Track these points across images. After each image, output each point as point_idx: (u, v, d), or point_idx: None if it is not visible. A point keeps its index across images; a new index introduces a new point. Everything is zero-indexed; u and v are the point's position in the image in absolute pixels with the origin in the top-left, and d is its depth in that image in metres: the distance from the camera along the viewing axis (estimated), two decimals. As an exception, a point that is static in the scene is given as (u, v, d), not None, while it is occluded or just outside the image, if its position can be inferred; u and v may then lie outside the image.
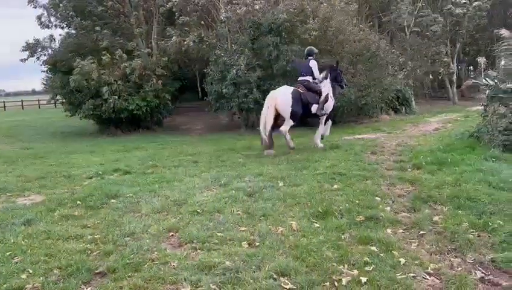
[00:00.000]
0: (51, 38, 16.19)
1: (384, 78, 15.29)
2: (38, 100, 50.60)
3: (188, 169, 7.71)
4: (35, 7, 15.68)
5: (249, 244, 4.03)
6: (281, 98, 8.89)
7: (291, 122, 8.93)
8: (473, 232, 4.11)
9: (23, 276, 3.46)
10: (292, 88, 9.14)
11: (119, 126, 15.82)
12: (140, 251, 3.94)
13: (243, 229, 4.43)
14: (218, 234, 4.28)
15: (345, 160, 7.70)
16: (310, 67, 9.21)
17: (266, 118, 8.82)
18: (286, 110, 8.82)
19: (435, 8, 22.65)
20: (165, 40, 15.29)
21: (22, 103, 48.86)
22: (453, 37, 24.44)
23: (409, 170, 6.95)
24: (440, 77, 25.88)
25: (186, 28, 15.13)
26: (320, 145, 9.29)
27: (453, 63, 24.32)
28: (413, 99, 18.50)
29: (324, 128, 9.50)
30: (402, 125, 13.71)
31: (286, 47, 13.79)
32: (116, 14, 15.54)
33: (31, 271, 3.55)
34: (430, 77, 27.41)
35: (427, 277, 3.32)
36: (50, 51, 16.18)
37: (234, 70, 13.08)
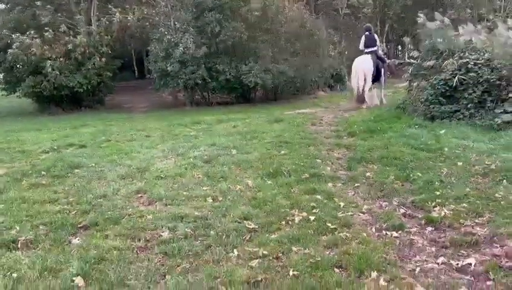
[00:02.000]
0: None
1: (323, 58, 16.25)
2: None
3: (142, 143, 8.08)
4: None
5: (213, 199, 4.63)
6: (366, 65, 11.51)
7: (370, 83, 11.68)
8: (397, 182, 5.00)
9: (12, 232, 3.83)
10: (370, 57, 11.67)
11: (60, 105, 15.49)
12: (116, 208, 4.42)
13: (205, 188, 5.01)
14: (184, 193, 4.85)
15: (288, 131, 8.46)
16: (375, 40, 12.03)
17: (359, 80, 11.50)
18: (370, 74, 11.50)
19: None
20: (106, 18, 15.10)
21: None
22: (382, 18, 26.12)
23: (345, 137, 7.84)
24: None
25: (127, 6, 15.02)
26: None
27: (382, 42, 26.00)
28: (346, 77, 19.73)
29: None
30: (337, 101, 14.76)
31: (228, 24, 14.20)
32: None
33: (18, 228, 3.91)
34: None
35: (362, 215, 4.13)
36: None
37: (181, 48, 13.33)
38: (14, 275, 3.02)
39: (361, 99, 11.73)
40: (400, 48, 37.43)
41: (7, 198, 4.83)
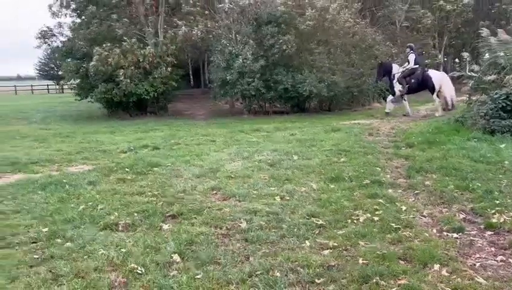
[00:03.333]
0: (61, 26, 16.91)
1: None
2: (32, 86, 51.02)
3: (209, 146, 8.71)
4: (45, -3, 16.45)
5: (280, 198, 5.08)
6: (447, 78, 13.46)
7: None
8: (457, 191, 5.20)
9: (112, 217, 4.46)
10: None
11: (127, 110, 16.67)
12: (196, 202, 4.97)
13: (272, 188, 5.48)
14: (254, 192, 5.33)
15: (346, 140, 8.79)
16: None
17: (451, 91, 13.15)
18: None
19: (425, 3, 23.88)
20: (172, 30, 16.11)
21: (16, 88, 49.26)
22: (440, 31, 25.75)
23: (403, 148, 8.05)
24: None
25: (191, 18, 15.95)
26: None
27: (440, 55, 25.61)
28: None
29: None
30: (393, 112, 14.82)
31: (282, 37, 14.73)
32: (128, 4, 16.30)
33: (116, 214, 4.55)
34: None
35: (423, 218, 4.42)
36: (61, 39, 16.94)
37: (240, 60, 14.03)
38: (123, 250, 3.60)
39: (451, 107, 13.05)
40: (457, 61, 36.40)
41: (101, 189, 5.53)
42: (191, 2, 16.13)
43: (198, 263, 3.38)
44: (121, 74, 14.48)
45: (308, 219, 4.35)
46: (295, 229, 4.04)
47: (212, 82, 16.84)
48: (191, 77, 34.02)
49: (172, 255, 3.50)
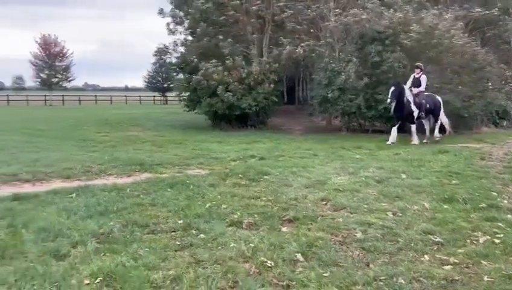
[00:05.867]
0: (176, 43, 18.54)
1: (488, 91, 15.50)
2: (140, 96, 55.92)
3: (312, 160, 8.98)
4: (163, 17, 18.15)
5: (393, 214, 5.15)
6: None
7: None
8: None
9: (235, 216, 4.90)
10: None
11: (230, 122, 17.65)
12: (308, 210, 5.24)
13: (383, 204, 5.56)
14: (365, 205, 5.47)
15: (456, 162, 8.50)
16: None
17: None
18: None
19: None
20: (275, 48, 16.81)
21: (126, 98, 54.38)
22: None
23: (520, 174, 7.59)
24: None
25: (296, 36, 16.52)
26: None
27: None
28: (512, 113, 18.29)
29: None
30: (505, 138, 13.88)
31: (389, 54, 14.58)
32: (235, 22, 17.37)
33: (239, 213, 4.98)
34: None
35: (550, 246, 4.21)
36: (175, 55, 18.57)
37: (343, 77, 14.20)
38: (251, 245, 3.98)
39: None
40: None
41: (220, 191, 6.06)
42: (297, 20, 16.72)
43: (321, 263, 3.63)
44: (222, 89, 15.45)
45: (424, 235, 4.38)
46: (412, 244, 4.12)
47: (312, 99, 17.16)
48: (285, 93, 34.79)
49: (296, 254, 3.80)
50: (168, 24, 18.23)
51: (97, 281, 3.17)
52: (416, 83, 12.51)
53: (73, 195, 5.63)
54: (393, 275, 3.35)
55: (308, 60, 17.23)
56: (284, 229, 4.57)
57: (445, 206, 5.45)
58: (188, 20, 17.53)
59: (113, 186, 6.14)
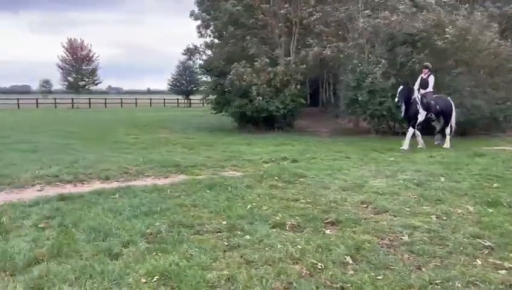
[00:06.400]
0: (206, 45, 18.69)
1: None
2: (164, 99, 56.62)
3: (345, 162, 8.91)
4: (195, 19, 18.31)
5: (436, 217, 5.07)
6: None
7: None
8: None
9: (277, 217, 4.90)
10: None
11: (257, 125, 17.69)
12: (350, 212, 5.20)
13: (425, 207, 5.48)
14: (407, 209, 5.39)
15: (495, 165, 8.31)
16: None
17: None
18: None
19: None
20: (303, 49, 16.78)
21: (151, 101, 55.14)
22: None
23: None
24: None
25: (324, 38, 16.46)
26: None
27: None
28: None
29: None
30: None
31: (416, 56, 14.35)
32: (264, 25, 17.43)
33: (280, 215, 4.99)
34: None
35: None
36: (204, 56, 18.76)
37: (370, 79, 14.07)
38: (299, 246, 3.98)
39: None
40: None
41: (258, 193, 6.07)
42: (325, 22, 16.66)
43: (371, 266, 3.60)
44: (253, 90, 15.50)
45: (472, 239, 4.30)
46: (461, 248, 4.04)
47: (338, 100, 17.04)
48: (308, 95, 34.65)
49: (345, 256, 3.78)
50: (198, 27, 18.43)
51: (154, 280, 3.22)
52: (424, 84, 11.92)
53: (116, 196, 5.75)
54: (448, 279, 3.30)
55: (336, 62, 17.11)
56: (328, 231, 4.55)
57: (490, 210, 5.34)
58: (214, 24, 17.66)
59: (153, 187, 6.24)
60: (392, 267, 3.60)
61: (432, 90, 11.96)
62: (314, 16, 15.86)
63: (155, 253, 3.74)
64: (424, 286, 3.19)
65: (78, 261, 3.57)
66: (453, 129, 12.48)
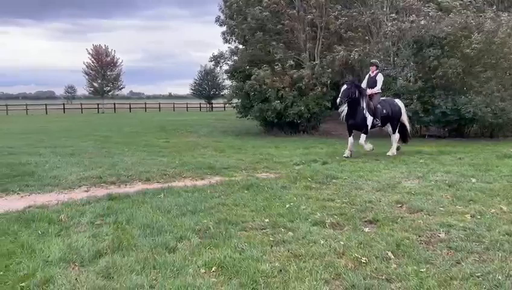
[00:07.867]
0: (232, 51, 19.10)
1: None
2: (187, 104, 57.51)
3: (376, 164, 9.06)
4: (221, 25, 18.80)
5: (471, 216, 5.21)
6: None
7: None
8: None
9: (316, 216, 5.13)
10: None
11: (282, 128, 17.94)
12: (386, 212, 5.39)
13: (458, 207, 5.62)
14: (441, 208, 5.55)
15: (526, 167, 8.36)
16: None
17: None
18: None
19: None
20: (329, 53, 16.98)
21: (174, 105, 56.10)
22: None
23: None
24: None
25: (351, 43, 16.63)
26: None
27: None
28: None
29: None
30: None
31: (448, 61, 14.41)
32: (290, 30, 17.73)
33: (319, 214, 5.22)
34: None
35: None
36: (230, 62, 19.14)
37: (401, 81, 14.18)
38: (341, 243, 4.21)
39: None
40: None
41: (294, 193, 6.32)
42: (351, 26, 16.84)
43: (413, 260, 3.80)
44: (273, 92, 15.80)
45: (508, 236, 4.44)
46: (498, 245, 4.19)
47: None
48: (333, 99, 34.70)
49: (386, 252, 3.99)
50: (223, 33, 18.87)
51: (212, 270, 3.50)
52: (372, 83, 10.66)
53: (162, 195, 6.08)
54: (488, 272, 3.48)
55: (362, 64, 17.27)
56: (367, 229, 4.75)
57: (525, 210, 5.45)
58: (239, 29, 18.03)
59: (194, 188, 6.56)
60: (432, 261, 3.79)
61: (380, 90, 10.82)
62: (340, 20, 16.04)
63: (208, 247, 4.03)
64: (466, 278, 3.38)
65: (139, 253, 3.89)
66: (409, 131, 11.62)
